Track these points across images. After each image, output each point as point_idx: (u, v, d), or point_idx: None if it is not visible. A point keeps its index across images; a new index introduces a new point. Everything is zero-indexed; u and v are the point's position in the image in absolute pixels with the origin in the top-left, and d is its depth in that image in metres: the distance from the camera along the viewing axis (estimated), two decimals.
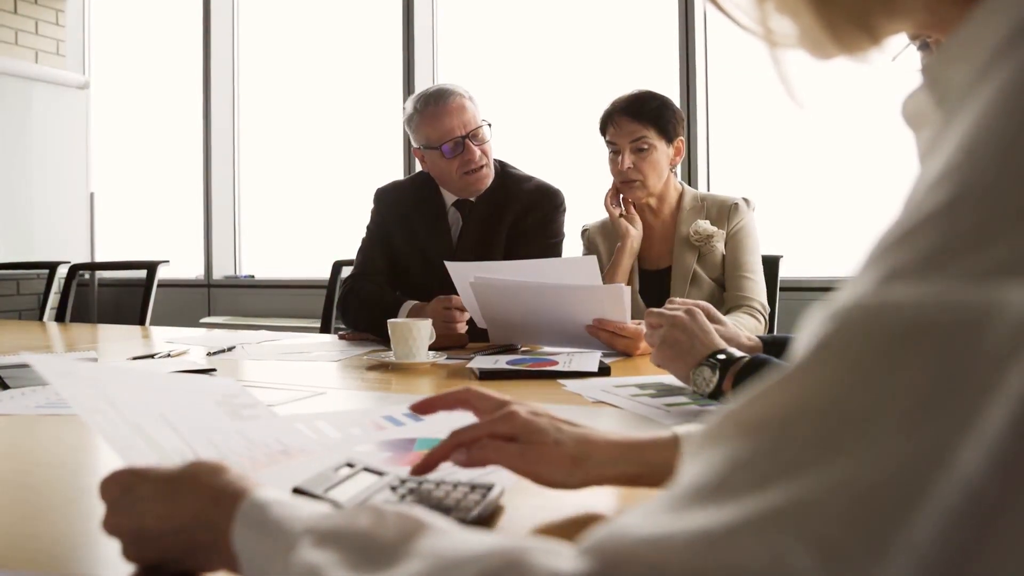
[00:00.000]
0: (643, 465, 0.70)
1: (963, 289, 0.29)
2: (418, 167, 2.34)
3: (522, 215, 2.22)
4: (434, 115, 2.15)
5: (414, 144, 2.26)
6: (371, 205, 2.36)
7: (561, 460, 0.68)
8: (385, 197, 2.35)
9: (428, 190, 2.28)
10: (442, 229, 2.25)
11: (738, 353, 1.19)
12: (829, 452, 0.29)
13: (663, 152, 2.08)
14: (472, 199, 2.24)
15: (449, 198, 2.26)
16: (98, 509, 0.61)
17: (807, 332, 0.32)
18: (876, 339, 0.30)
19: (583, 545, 0.33)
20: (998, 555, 0.27)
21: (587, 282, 1.78)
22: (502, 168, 2.30)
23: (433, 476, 0.74)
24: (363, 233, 2.35)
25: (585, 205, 2.51)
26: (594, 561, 0.31)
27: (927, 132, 0.40)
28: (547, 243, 2.23)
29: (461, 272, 1.86)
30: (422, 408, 0.79)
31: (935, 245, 0.30)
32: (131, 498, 0.58)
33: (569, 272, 1.79)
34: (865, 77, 2.63)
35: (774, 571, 0.27)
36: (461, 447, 0.70)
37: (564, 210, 2.29)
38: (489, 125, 2.19)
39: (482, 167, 2.17)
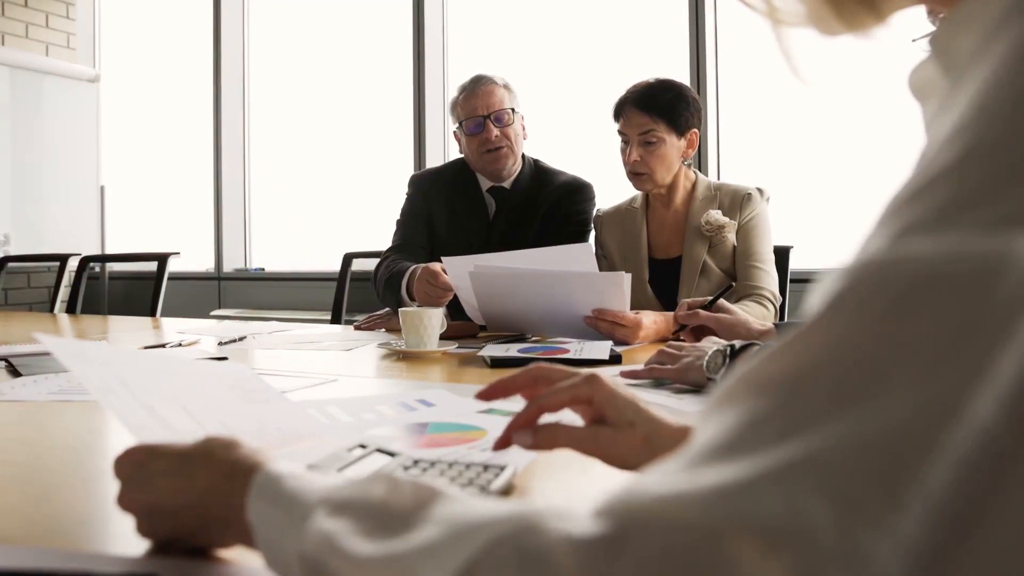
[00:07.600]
0: None
1: (976, 241, 0.29)
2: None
3: (554, 206, 2.33)
4: (466, 97, 2.32)
5: (453, 127, 2.41)
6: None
7: (635, 442, 0.67)
8: (423, 181, 2.46)
9: (465, 175, 2.39)
10: (480, 212, 2.34)
11: (748, 342, 1.19)
12: (844, 405, 0.29)
13: (672, 146, 2.05)
14: (506, 186, 2.34)
15: (484, 183, 2.37)
16: (111, 489, 0.61)
17: (820, 290, 0.32)
18: (890, 292, 0.30)
19: (598, 507, 0.32)
20: (1012, 503, 0.27)
21: (583, 268, 1.77)
22: (535, 163, 2.41)
23: (447, 458, 0.75)
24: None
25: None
26: (610, 522, 0.31)
27: (934, 101, 0.40)
28: (576, 232, 2.32)
29: (457, 267, 1.86)
30: (492, 393, 0.74)
31: (947, 199, 0.30)
32: (145, 474, 0.58)
33: (565, 260, 1.79)
34: (876, 62, 2.62)
35: (791, 522, 0.27)
36: (543, 412, 0.69)
37: (595, 203, 2.38)
38: (514, 111, 2.31)
39: (500, 148, 2.28)
